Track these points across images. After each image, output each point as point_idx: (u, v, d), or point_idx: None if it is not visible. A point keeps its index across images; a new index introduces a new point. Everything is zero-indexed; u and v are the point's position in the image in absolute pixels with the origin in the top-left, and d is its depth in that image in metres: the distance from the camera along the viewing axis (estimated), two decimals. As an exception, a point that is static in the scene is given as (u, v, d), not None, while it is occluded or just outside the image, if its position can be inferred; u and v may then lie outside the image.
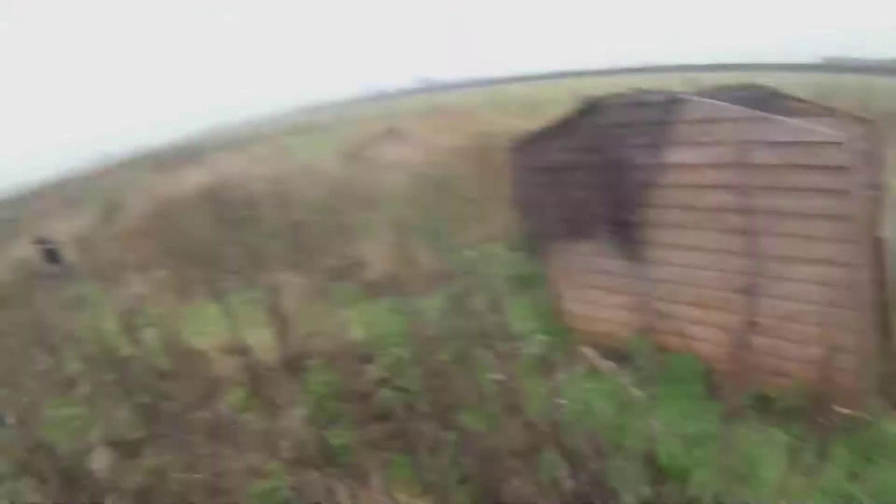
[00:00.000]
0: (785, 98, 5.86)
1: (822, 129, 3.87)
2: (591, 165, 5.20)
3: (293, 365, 5.16)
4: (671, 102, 4.58)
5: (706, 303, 4.79)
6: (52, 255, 12.15)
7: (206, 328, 6.69)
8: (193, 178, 18.96)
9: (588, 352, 5.24)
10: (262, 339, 5.69)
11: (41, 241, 12.34)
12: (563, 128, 5.31)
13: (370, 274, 8.18)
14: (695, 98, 4.54)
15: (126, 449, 4.10)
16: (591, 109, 5.09)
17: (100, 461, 4.01)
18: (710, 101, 4.49)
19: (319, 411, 4.40)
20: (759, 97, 6.45)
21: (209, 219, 11.32)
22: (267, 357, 5.44)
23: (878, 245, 4.26)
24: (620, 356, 5.06)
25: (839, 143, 3.75)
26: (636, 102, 4.80)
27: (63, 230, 15.28)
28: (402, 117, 24.67)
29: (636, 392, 3.87)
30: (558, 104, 16.81)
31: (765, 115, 4.18)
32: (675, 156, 4.67)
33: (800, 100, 5.28)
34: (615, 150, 4.99)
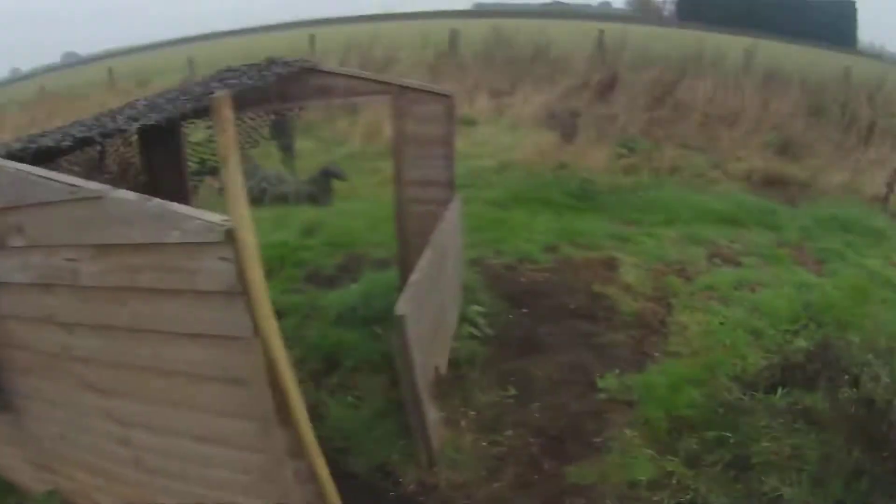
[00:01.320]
0: (323, 73, 3.95)
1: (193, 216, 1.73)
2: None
3: None
4: None
5: (102, 471, 2.97)
6: None
7: None
8: None
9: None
10: None
11: None
12: None
13: None
14: None
15: None
16: None
17: None
18: None
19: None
20: (276, 78, 3.59)
21: None
22: None
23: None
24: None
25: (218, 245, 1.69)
26: None
27: None
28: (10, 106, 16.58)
29: None
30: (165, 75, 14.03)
31: (43, 174, 2.01)
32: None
33: (352, 75, 3.87)
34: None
